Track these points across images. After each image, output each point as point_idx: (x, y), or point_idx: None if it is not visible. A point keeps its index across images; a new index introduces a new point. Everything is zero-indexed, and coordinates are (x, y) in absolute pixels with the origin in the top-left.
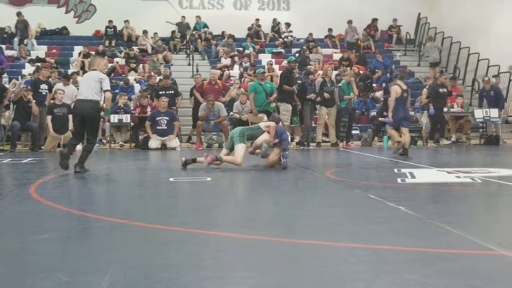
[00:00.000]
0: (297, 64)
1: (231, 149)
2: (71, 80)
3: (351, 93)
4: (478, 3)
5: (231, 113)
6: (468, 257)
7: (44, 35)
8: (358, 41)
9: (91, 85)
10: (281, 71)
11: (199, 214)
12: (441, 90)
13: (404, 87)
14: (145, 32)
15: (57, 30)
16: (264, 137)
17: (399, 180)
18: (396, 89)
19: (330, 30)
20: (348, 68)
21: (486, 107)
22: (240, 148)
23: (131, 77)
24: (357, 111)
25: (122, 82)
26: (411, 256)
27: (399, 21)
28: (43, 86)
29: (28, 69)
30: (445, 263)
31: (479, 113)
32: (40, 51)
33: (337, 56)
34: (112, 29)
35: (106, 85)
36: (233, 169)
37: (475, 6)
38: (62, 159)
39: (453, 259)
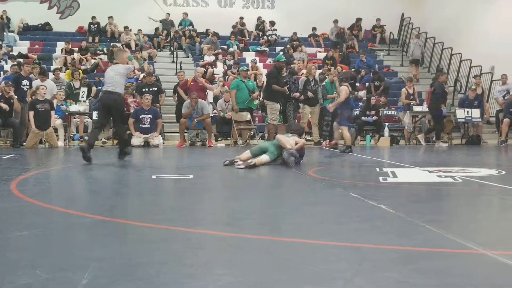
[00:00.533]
0: (285, 64)
1: (255, 156)
2: (54, 76)
3: (335, 92)
4: (461, 4)
5: (215, 111)
6: (447, 256)
7: (27, 31)
8: (340, 31)
9: (116, 79)
10: (269, 70)
11: (181, 211)
12: (446, 89)
13: (350, 88)
14: (126, 28)
15: (39, 25)
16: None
17: (381, 179)
18: (346, 90)
19: (314, 29)
20: (332, 68)
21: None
22: (265, 159)
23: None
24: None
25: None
26: (391, 255)
27: (383, 21)
28: (25, 82)
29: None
30: (424, 262)
31: (461, 113)
32: (22, 46)
33: (321, 55)
34: (96, 26)
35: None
36: (216, 167)
37: (458, 7)
38: (85, 152)
39: (433, 257)
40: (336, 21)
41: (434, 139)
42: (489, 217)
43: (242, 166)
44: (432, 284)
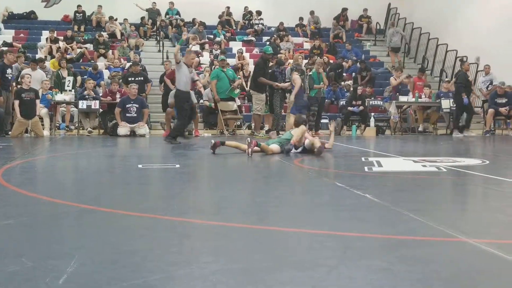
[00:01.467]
0: (272, 55)
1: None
2: (39, 65)
3: (321, 83)
4: None
5: (201, 100)
6: (430, 244)
7: (12, 19)
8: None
9: (189, 80)
10: (256, 61)
11: (167, 200)
12: (469, 78)
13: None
14: (111, 17)
15: (24, 14)
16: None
17: (366, 168)
18: (298, 79)
19: (301, 19)
20: (318, 57)
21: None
22: (276, 148)
23: (100, 63)
24: (326, 100)
25: (90, 68)
26: (375, 243)
27: (370, 11)
28: (9, 71)
29: None
30: (408, 250)
31: (446, 104)
32: (7, 35)
33: (308, 45)
34: (81, 14)
35: (195, 76)
36: (202, 156)
37: None
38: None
39: (416, 245)
40: (312, 12)
41: (456, 130)
42: (472, 206)
43: (249, 151)
44: (414, 271)
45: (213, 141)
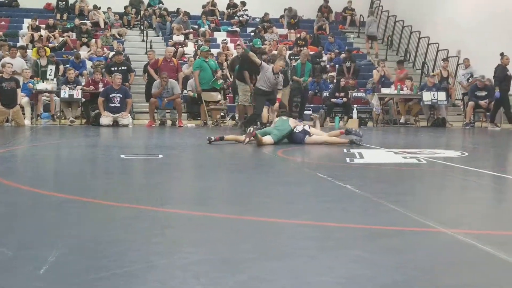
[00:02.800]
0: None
1: (263, 135)
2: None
3: (305, 78)
4: None
5: (185, 91)
6: (409, 234)
7: None
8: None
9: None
10: (243, 53)
11: (150, 191)
12: (508, 72)
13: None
14: (95, 6)
15: (6, 1)
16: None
17: (348, 160)
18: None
19: (286, 10)
20: (304, 48)
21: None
22: (269, 140)
23: (83, 52)
24: (310, 91)
25: (73, 57)
26: (355, 233)
27: (354, 4)
28: None
29: None
30: (387, 239)
31: (427, 96)
32: None
33: (293, 36)
34: (64, 3)
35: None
36: (185, 147)
37: None
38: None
39: (395, 235)
40: (289, 9)
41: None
42: (450, 197)
43: (246, 140)
44: (393, 260)
45: (213, 138)
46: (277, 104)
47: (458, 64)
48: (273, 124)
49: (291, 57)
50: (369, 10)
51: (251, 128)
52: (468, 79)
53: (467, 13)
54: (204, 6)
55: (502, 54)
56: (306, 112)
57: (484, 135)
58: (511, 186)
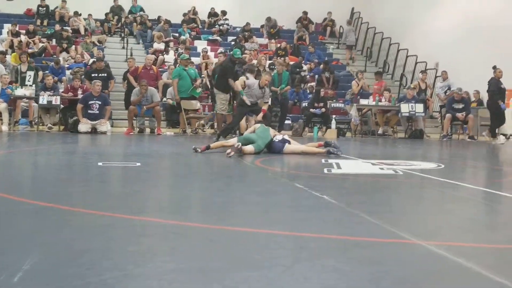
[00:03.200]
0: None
1: (245, 143)
2: None
3: (282, 86)
4: (403, 2)
5: (164, 98)
6: (383, 246)
7: None
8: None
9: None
10: (223, 63)
11: (126, 199)
12: (502, 85)
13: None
14: (76, 13)
15: None
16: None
17: (325, 170)
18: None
19: (267, 19)
20: (282, 58)
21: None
22: (249, 149)
23: (63, 58)
24: (289, 101)
25: (52, 63)
26: (330, 244)
27: (334, 15)
28: None
29: None
30: (361, 251)
31: (405, 108)
32: None
33: (273, 46)
34: (44, 9)
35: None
36: (164, 155)
37: (403, 3)
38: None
39: (369, 247)
40: (268, 18)
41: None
42: (426, 209)
43: (231, 153)
44: (367, 271)
45: (199, 150)
46: (261, 114)
47: (436, 77)
48: (252, 128)
49: (271, 66)
50: (347, 20)
51: (239, 144)
52: (445, 92)
53: (445, 26)
54: (185, 15)
55: (494, 67)
56: (286, 122)
57: (460, 147)
58: (486, 198)
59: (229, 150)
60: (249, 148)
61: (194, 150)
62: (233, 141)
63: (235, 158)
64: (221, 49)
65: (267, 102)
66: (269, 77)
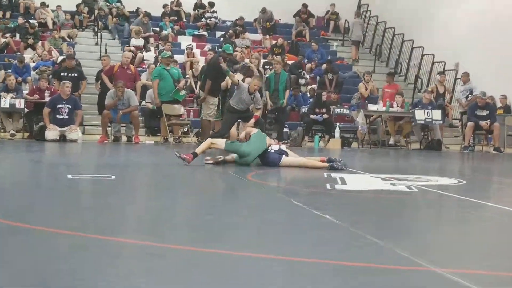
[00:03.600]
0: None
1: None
2: None
3: (281, 101)
4: None
5: (144, 102)
6: (393, 272)
7: None
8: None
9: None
10: (211, 59)
11: (100, 217)
12: None
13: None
14: (43, 4)
15: None
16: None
17: (328, 185)
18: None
19: (260, 11)
20: (274, 56)
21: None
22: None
23: (28, 55)
24: (288, 106)
25: (16, 61)
26: (330, 269)
27: (338, 7)
28: None
29: None
30: (366, 278)
31: (420, 114)
32: None
33: (268, 42)
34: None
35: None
36: (141, 166)
37: None
38: None
39: (377, 274)
40: (263, 10)
41: None
42: (443, 231)
43: (210, 162)
44: None
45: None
46: (252, 120)
47: (456, 79)
48: (244, 134)
49: (266, 66)
50: (355, 12)
51: (221, 157)
52: (467, 96)
53: (468, 20)
54: (165, 6)
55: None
56: (285, 130)
57: (484, 161)
58: None
59: (208, 158)
60: (229, 157)
61: (179, 156)
62: (221, 142)
63: (224, 170)
64: (208, 46)
65: (260, 108)
66: (259, 82)
